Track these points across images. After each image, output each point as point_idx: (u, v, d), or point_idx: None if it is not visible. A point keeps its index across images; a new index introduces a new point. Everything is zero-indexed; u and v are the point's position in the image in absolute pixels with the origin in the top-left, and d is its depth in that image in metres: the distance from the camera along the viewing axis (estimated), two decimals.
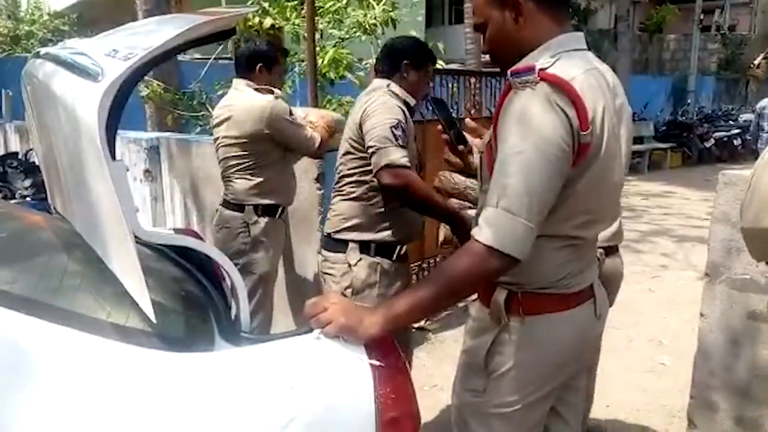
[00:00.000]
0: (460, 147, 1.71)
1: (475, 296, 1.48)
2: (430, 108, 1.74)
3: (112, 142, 1.03)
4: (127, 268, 1.02)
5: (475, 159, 1.64)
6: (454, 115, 4.27)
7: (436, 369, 3.23)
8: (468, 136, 1.79)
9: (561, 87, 1.18)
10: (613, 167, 1.31)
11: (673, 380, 3.19)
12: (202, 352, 1.06)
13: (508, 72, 1.27)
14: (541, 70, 1.19)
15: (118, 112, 1.04)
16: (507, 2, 1.28)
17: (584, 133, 1.19)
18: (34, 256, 1.18)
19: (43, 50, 1.46)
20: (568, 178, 1.22)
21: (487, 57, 1.49)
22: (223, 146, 2.81)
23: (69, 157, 1.18)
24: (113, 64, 1.05)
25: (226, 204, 2.85)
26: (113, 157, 1.02)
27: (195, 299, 1.29)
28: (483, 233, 1.18)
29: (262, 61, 2.80)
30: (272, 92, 2.77)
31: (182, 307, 1.23)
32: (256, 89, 2.77)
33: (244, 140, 2.74)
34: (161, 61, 1.14)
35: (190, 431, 0.92)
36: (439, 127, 1.68)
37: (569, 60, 1.24)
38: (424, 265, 4.23)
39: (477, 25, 1.37)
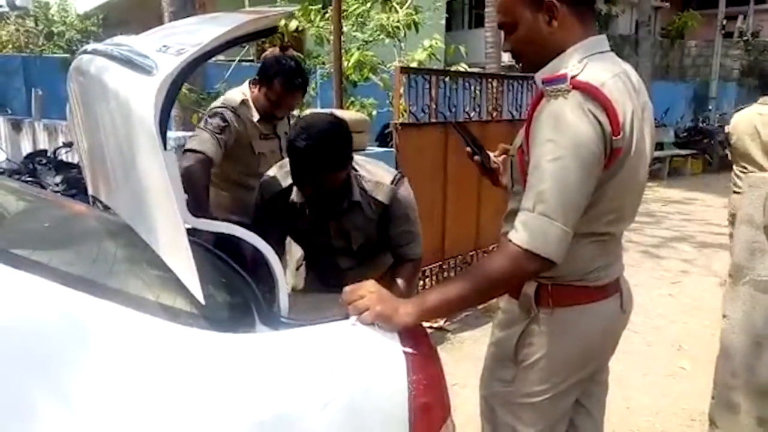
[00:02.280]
0: (494, 166, 1.68)
1: None
2: (457, 133, 1.69)
3: (163, 133, 1.08)
4: (178, 253, 1.07)
5: (504, 178, 1.65)
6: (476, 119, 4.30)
7: (456, 368, 3.25)
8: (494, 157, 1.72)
9: (593, 94, 1.21)
10: (640, 166, 1.36)
11: (693, 384, 3.19)
12: (243, 334, 1.10)
13: (540, 80, 1.30)
14: (572, 77, 1.23)
15: (170, 105, 1.09)
16: (542, 4, 1.29)
17: (616, 138, 1.23)
18: (87, 241, 1.23)
19: (90, 47, 1.52)
20: (600, 180, 1.27)
21: (505, 60, 1.52)
22: None
23: (119, 148, 1.23)
24: (166, 59, 1.11)
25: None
26: (164, 147, 1.07)
27: (234, 284, 1.34)
28: (521, 236, 1.22)
29: (259, 77, 2.61)
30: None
31: (223, 291, 1.28)
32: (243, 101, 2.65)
33: None
34: (209, 57, 1.20)
35: (234, 405, 0.96)
36: (468, 149, 1.67)
37: (597, 64, 1.27)
38: (444, 266, 4.26)
39: (503, 24, 1.37)
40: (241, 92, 2.70)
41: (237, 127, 2.57)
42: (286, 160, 1.95)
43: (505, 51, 1.43)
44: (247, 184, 2.57)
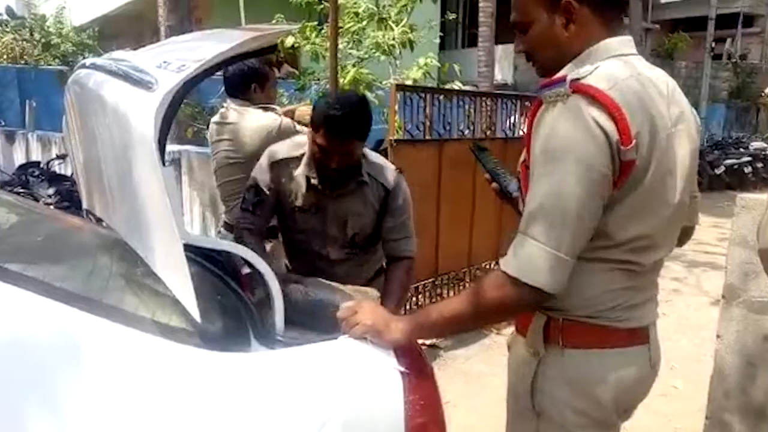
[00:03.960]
0: (515, 194, 1.49)
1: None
2: (475, 155, 1.60)
3: (162, 150, 1.08)
4: (175, 270, 1.06)
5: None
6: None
7: (448, 386, 3.24)
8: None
9: (596, 98, 1.06)
10: (668, 184, 1.16)
11: (685, 404, 3.17)
12: (239, 353, 1.09)
13: (538, 86, 1.18)
14: (573, 81, 1.08)
15: (170, 121, 1.09)
16: (558, 6, 1.15)
17: (626, 148, 1.06)
18: (81, 256, 1.22)
19: (89, 61, 1.52)
20: (613, 200, 1.11)
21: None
22: (222, 167, 2.77)
23: (117, 163, 1.23)
24: (166, 75, 1.11)
25: (227, 227, 2.73)
26: (163, 163, 1.07)
27: (229, 302, 1.33)
28: (508, 262, 1.11)
29: (255, 80, 2.73)
30: (274, 109, 2.75)
31: (218, 309, 1.27)
32: (259, 107, 2.70)
33: (248, 162, 2.68)
34: (210, 73, 1.20)
35: (228, 425, 0.95)
36: (486, 175, 1.55)
37: (611, 66, 1.12)
38: (437, 282, 4.25)
39: (518, 23, 1.23)
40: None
41: None
42: (293, 138, 2.21)
43: (517, 52, 1.28)
44: None
